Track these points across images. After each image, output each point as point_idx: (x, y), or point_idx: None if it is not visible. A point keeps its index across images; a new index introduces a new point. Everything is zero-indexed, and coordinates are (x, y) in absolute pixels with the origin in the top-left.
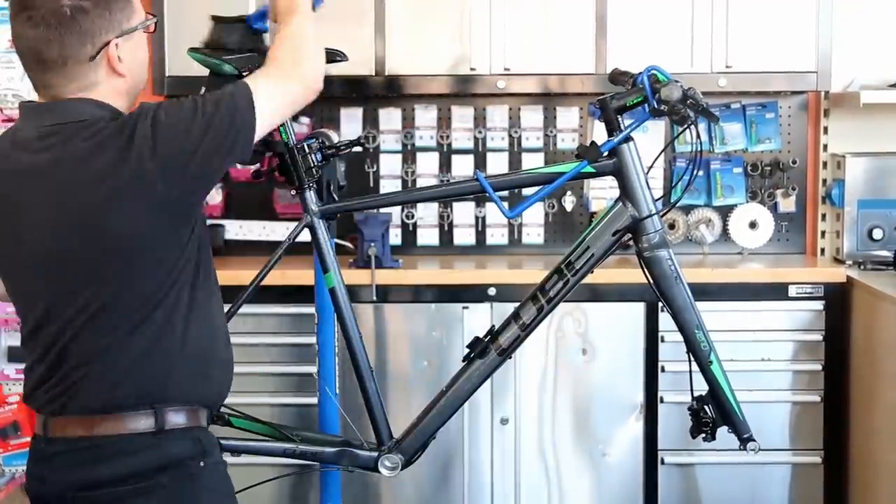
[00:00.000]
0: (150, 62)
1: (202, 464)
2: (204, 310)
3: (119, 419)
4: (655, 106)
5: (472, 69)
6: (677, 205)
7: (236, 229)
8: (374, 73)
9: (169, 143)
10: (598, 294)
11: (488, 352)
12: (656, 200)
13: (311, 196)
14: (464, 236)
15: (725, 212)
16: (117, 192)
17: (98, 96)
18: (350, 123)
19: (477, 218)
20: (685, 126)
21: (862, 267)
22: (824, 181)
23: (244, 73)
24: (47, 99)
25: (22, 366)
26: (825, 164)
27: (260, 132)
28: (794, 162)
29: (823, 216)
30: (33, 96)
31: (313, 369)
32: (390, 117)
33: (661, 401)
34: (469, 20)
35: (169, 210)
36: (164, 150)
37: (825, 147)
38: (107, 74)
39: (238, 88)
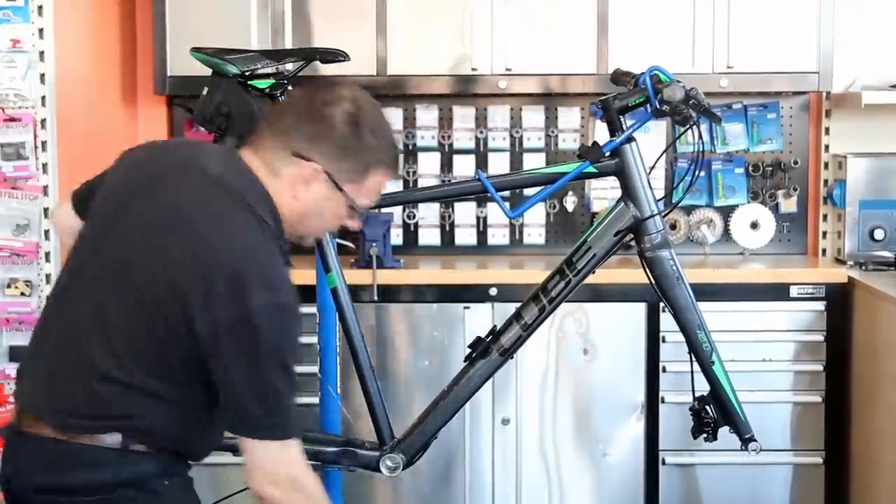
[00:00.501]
0: (152, 62)
1: (167, 482)
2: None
3: (90, 433)
4: (657, 106)
5: (473, 69)
6: (679, 205)
7: None
8: (375, 73)
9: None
10: (600, 294)
11: (490, 352)
12: (658, 201)
13: None
14: (465, 236)
15: (727, 212)
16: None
17: (275, 186)
18: None
19: (478, 218)
20: (687, 127)
21: (863, 267)
22: (826, 182)
23: (246, 73)
24: (246, 151)
25: None
26: (826, 164)
27: None
28: (795, 162)
29: (825, 217)
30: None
31: (315, 369)
32: (392, 117)
33: (662, 401)
34: (470, 20)
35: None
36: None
37: (827, 147)
38: (289, 179)
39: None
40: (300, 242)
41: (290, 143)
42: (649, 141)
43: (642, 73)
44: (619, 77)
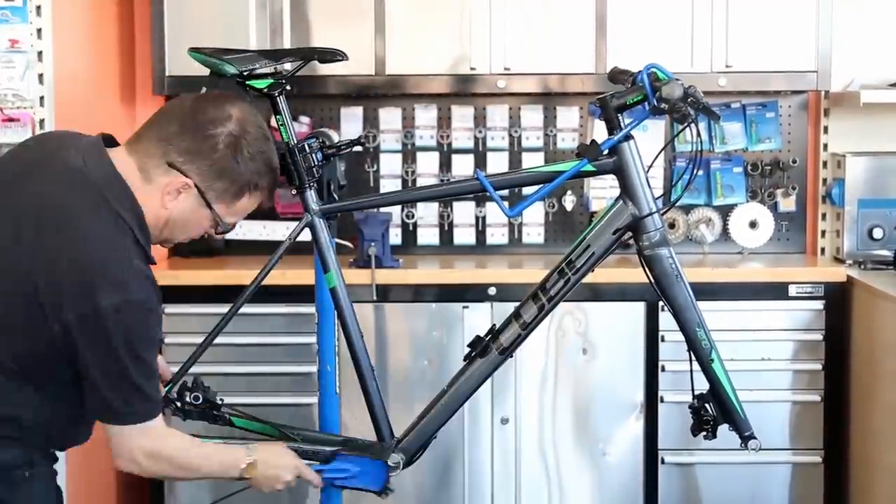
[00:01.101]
0: (150, 62)
1: (27, 474)
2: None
3: None
4: (655, 104)
5: (472, 69)
6: (677, 204)
7: (236, 229)
8: (374, 73)
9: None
10: (599, 293)
11: (489, 351)
12: (656, 199)
13: (311, 195)
14: (464, 236)
15: (725, 211)
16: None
17: (145, 191)
18: (350, 123)
19: (477, 217)
20: (686, 124)
21: (862, 266)
22: (824, 180)
23: (244, 73)
24: (122, 149)
25: None
26: (825, 163)
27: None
28: (794, 161)
29: (823, 216)
30: (34, 96)
31: (314, 369)
32: (390, 117)
33: (662, 400)
34: (469, 20)
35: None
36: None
37: (825, 146)
38: (160, 187)
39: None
40: (163, 245)
41: (169, 152)
42: (648, 139)
43: (640, 71)
44: (616, 75)
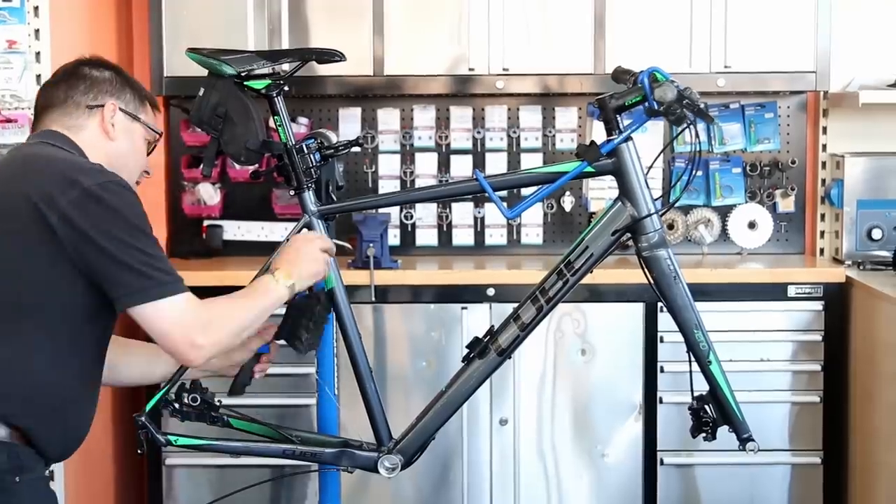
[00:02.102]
0: (149, 64)
1: (17, 479)
2: (79, 347)
3: None
4: (652, 106)
5: (470, 69)
6: (676, 205)
7: (235, 230)
8: (372, 74)
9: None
10: (598, 294)
11: (488, 352)
12: (655, 200)
13: (309, 196)
14: (463, 237)
15: (724, 212)
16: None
17: (82, 140)
18: (348, 124)
19: (476, 218)
20: (683, 127)
21: (861, 267)
22: (823, 181)
23: (242, 74)
24: (37, 134)
25: None
26: (824, 164)
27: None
28: (793, 162)
29: (822, 216)
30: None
31: (312, 370)
32: (389, 117)
33: (661, 401)
34: (467, 20)
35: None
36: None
37: (824, 147)
38: (97, 127)
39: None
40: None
41: (77, 102)
42: (647, 140)
43: (641, 72)
44: (619, 75)
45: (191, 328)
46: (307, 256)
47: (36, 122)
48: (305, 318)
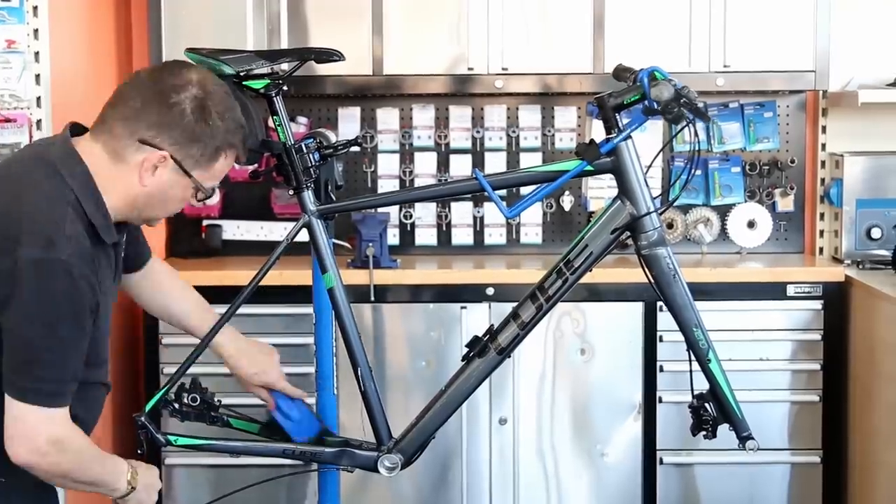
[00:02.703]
0: (148, 62)
1: (2, 480)
2: None
3: None
4: (650, 105)
5: (469, 69)
6: (675, 204)
7: (234, 229)
8: (371, 73)
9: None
10: (597, 294)
11: (487, 351)
12: (654, 199)
13: (308, 196)
14: (462, 236)
15: (724, 211)
16: None
17: (113, 171)
18: (348, 123)
19: (475, 218)
20: (682, 126)
21: (860, 266)
22: (822, 180)
23: (241, 73)
24: (87, 137)
25: None
26: (823, 163)
27: None
28: (792, 161)
29: (822, 215)
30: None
31: (311, 369)
32: (388, 117)
33: (660, 400)
34: (467, 20)
35: None
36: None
37: (823, 146)
38: (135, 166)
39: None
40: (148, 225)
41: (137, 129)
42: (647, 139)
43: (642, 70)
44: (620, 73)
45: (47, 436)
46: (151, 490)
47: (105, 108)
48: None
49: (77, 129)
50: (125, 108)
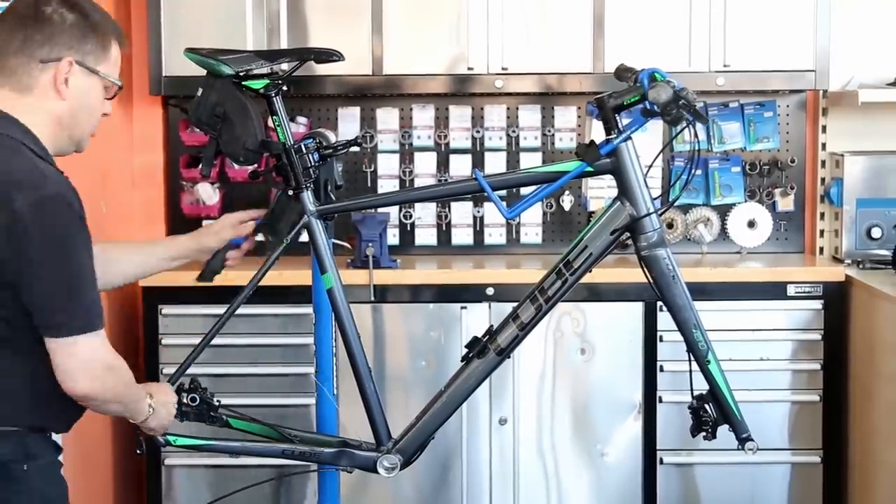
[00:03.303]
0: (147, 64)
1: (25, 467)
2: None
3: None
4: (648, 106)
5: (469, 69)
6: (675, 204)
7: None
8: (371, 73)
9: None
10: (597, 294)
11: (487, 351)
12: (654, 199)
13: (308, 196)
14: (462, 236)
15: (724, 211)
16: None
17: (28, 103)
18: (347, 123)
19: (475, 218)
20: (683, 127)
21: (861, 266)
22: (823, 180)
23: (241, 73)
24: None
25: None
26: (823, 162)
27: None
28: (792, 161)
29: (822, 215)
30: None
31: (311, 370)
32: (388, 117)
33: (660, 400)
34: (466, 19)
35: None
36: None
37: (823, 146)
38: (47, 86)
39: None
40: (79, 150)
41: (32, 54)
42: (646, 139)
43: (642, 70)
44: (621, 73)
45: (102, 362)
46: (170, 406)
47: None
48: (287, 214)
49: None
50: (10, 44)
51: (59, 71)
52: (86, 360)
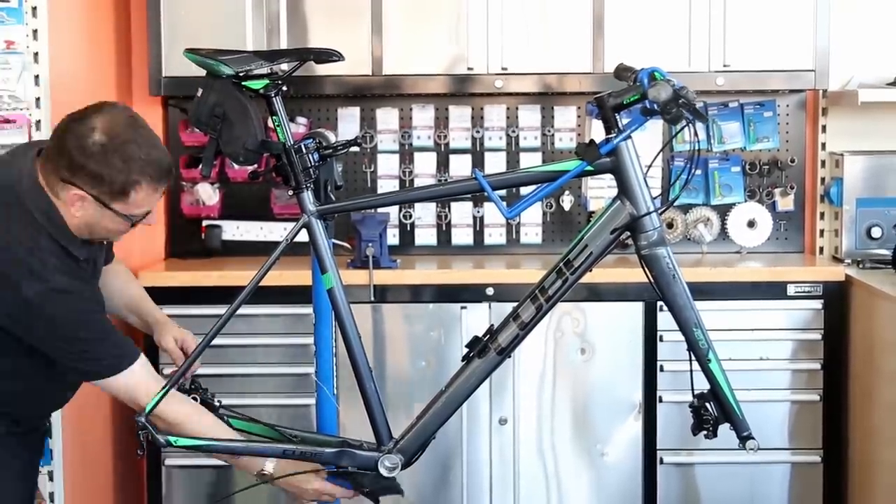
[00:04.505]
0: (147, 63)
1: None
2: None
3: None
4: (649, 106)
5: (469, 69)
6: (675, 204)
7: (234, 230)
8: (371, 73)
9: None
10: (597, 293)
11: (487, 351)
12: (654, 198)
13: (308, 196)
14: (462, 236)
15: (724, 211)
16: None
17: (58, 200)
18: (347, 123)
19: (475, 218)
20: (682, 126)
21: (861, 265)
22: (822, 180)
23: (241, 74)
24: (40, 166)
25: None
26: (823, 162)
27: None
28: (792, 160)
29: (822, 215)
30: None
31: (311, 370)
32: (387, 117)
33: (660, 400)
34: (466, 20)
35: None
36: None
37: (823, 145)
38: (65, 200)
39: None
40: (105, 241)
41: (59, 170)
42: (646, 138)
43: (642, 69)
44: (621, 72)
45: (139, 396)
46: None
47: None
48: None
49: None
50: (52, 150)
51: (73, 196)
52: (129, 396)
